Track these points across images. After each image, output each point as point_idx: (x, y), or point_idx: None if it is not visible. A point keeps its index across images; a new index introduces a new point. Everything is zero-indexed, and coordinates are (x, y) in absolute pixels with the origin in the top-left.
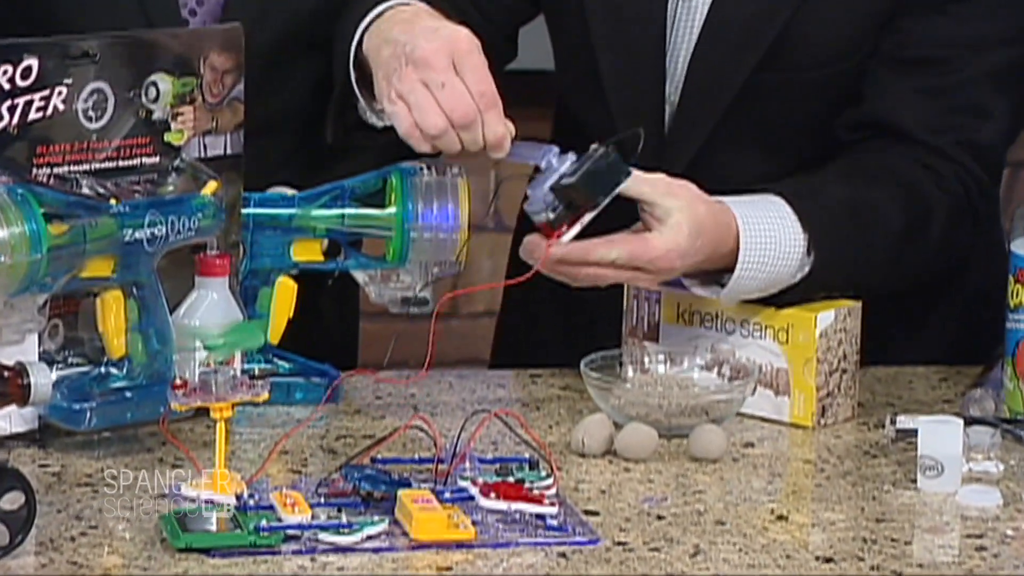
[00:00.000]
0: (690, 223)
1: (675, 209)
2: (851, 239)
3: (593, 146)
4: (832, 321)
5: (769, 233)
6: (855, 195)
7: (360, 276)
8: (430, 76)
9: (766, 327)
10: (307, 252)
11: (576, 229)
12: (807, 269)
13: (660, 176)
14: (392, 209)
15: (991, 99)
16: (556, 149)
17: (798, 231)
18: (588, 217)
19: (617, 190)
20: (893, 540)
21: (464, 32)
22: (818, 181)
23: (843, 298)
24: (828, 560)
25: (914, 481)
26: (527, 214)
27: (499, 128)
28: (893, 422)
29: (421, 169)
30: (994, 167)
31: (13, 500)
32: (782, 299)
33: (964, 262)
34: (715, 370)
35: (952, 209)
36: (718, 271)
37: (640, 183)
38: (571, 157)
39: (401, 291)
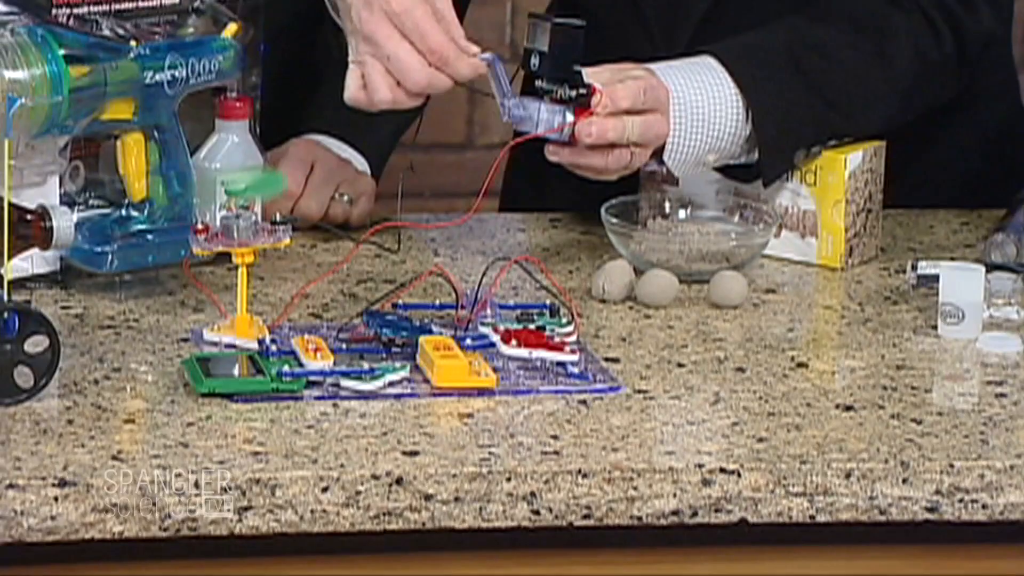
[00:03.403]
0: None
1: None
2: (793, 84)
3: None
4: (860, 161)
5: (699, 92)
6: (796, 40)
7: None
8: (377, 51)
9: (793, 165)
10: None
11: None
12: (750, 123)
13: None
14: None
15: None
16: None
17: (731, 87)
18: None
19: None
20: (913, 388)
21: None
22: (758, 35)
23: (868, 139)
24: (848, 408)
25: (935, 327)
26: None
27: (464, 71)
28: (915, 268)
29: None
30: None
31: (37, 343)
32: (768, 166)
33: (976, 91)
34: (737, 214)
35: (914, 23)
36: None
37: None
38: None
39: None
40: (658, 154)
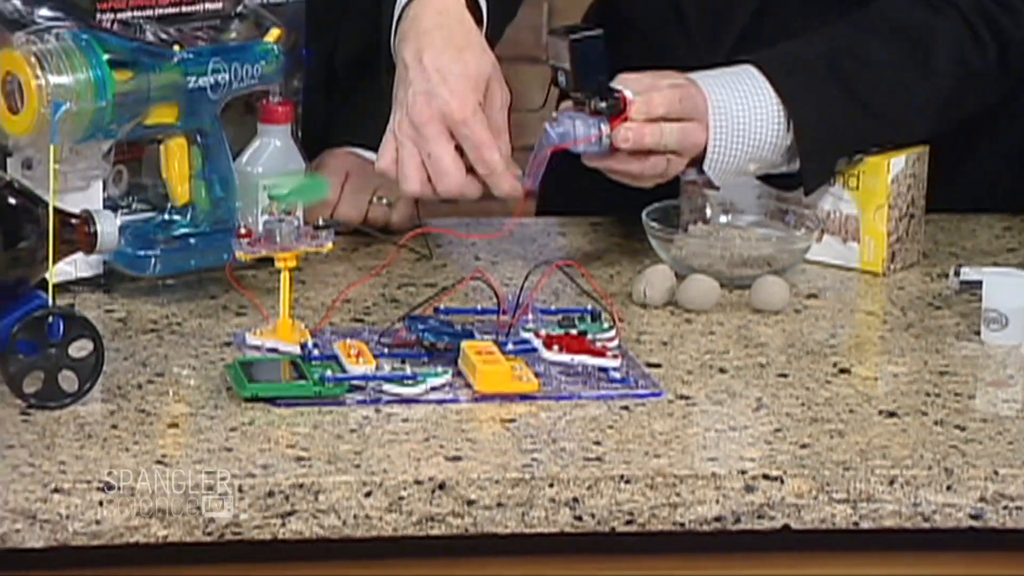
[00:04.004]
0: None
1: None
2: (834, 93)
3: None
4: (903, 166)
5: (739, 102)
6: (837, 48)
7: None
8: (421, 143)
9: (835, 173)
10: None
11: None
12: (791, 132)
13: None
14: None
15: None
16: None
17: (772, 96)
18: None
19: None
20: (957, 394)
21: (462, 91)
22: (799, 44)
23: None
24: (892, 414)
25: (978, 333)
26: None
27: (505, 189)
28: (957, 273)
29: None
30: None
31: (81, 347)
32: (810, 175)
33: (1019, 97)
34: (778, 219)
35: (956, 30)
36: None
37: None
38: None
39: None
40: (698, 163)
